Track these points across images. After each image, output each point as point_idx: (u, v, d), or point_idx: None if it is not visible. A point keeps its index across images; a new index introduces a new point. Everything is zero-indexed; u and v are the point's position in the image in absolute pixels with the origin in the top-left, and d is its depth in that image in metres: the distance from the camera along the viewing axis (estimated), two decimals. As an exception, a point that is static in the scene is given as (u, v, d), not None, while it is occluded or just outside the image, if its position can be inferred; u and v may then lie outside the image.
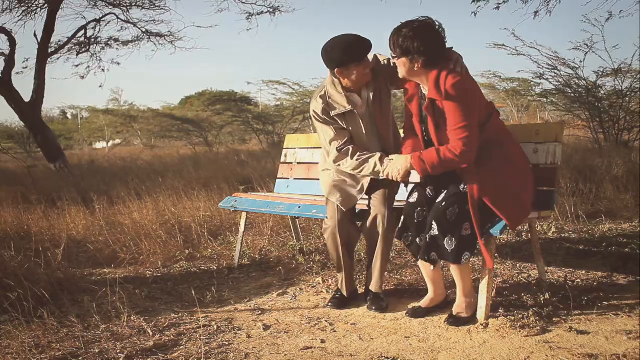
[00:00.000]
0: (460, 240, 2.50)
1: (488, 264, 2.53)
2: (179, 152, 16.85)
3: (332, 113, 2.85)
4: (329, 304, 2.98)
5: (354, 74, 2.77)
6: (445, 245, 2.51)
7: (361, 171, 2.83)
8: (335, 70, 2.79)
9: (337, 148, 2.87)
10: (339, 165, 2.89)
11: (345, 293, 3.02)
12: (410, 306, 2.80)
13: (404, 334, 2.53)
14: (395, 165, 2.68)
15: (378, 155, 2.80)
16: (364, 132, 2.87)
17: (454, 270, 2.63)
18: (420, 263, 2.71)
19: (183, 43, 17.53)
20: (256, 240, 4.51)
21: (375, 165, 2.78)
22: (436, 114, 2.53)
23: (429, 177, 2.65)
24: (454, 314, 2.63)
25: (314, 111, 2.90)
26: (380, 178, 2.81)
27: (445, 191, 2.60)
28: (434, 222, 2.52)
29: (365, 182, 2.91)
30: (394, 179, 2.71)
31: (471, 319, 2.60)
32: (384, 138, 2.91)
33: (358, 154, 2.84)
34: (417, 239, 2.64)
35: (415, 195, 2.68)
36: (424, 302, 2.78)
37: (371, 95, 2.85)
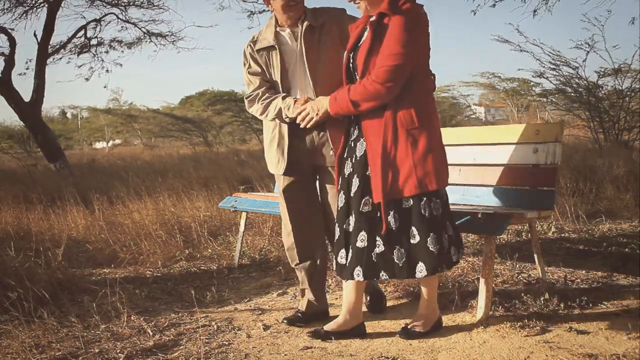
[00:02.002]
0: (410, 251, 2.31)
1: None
2: (179, 152, 16.86)
3: (256, 47, 2.69)
4: (284, 320, 2.76)
5: (278, 1, 2.59)
6: (395, 259, 2.31)
7: (267, 115, 2.66)
8: None
9: (245, 96, 2.75)
10: (251, 112, 2.75)
11: (304, 308, 2.79)
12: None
13: (404, 334, 2.53)
14: (315, 104, 2.48)
15: (282, 95, 2.62)
16: (286, 71, 2.64)
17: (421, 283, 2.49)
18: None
19: (184, 43, 17.60)
20: (256, 240, 4.51)
21: (276, 105, 2.59)
22: (376, 34, 2.29)
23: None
24: (409, 326, 2.48)
25: (243, 50, 2.76)
26: (286, 120, 2.60)
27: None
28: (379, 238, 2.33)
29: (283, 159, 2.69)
30: (308, 120, 2.49)
31: (424, 335, 2.45)
32: (319, 86, 2.57)
33: (265, 96, 2.66)
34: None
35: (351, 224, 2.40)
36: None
37: (302, 30, 2.60)
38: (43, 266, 3.46)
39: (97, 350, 2.46)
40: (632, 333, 2.32)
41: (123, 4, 11.10)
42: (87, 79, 12.36)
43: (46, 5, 10.49)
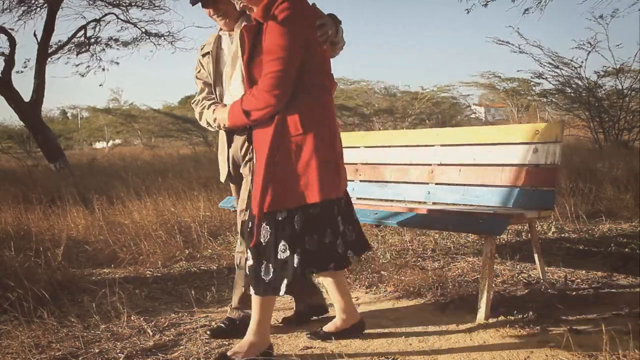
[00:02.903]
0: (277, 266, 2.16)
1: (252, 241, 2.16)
2: (179, 151, 16.86)
3: (201, 52, 2.67)
4: (208, 331, 2.62)
5: (206, 11, 2.54)
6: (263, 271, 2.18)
7: (202, 122, 2.62)
8: None
9: (192, 102, 2.73)
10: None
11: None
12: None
13: (403, 334, 2.53)
14: (223, 111, 2.39)
15: (209, 102, 2.58)
16: (220, 76, 2.59)
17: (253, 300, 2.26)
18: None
19: (183, 43, 17.59)
20: (256, 240, 4.50)
21: (205, 115, 2.57)
22: (255, 41, 2.19)
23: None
24: (228, 353, 2.23)
25: None
26: (216, 128, 2.55)
27: None
28: (249, 251, 2.21)
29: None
30: (221, 126, 2.46)
31: None
32: None
33: (201, 103, 2.62)
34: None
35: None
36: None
37: (234, 38, 2.51)
38: (43, 266, 3.46)
39: (97, 350, 2.46)
40: (632, 333, 2.32)
41: (125, 4, 11.11)
42: (82, 75, 12.38)
43: (46, 6, 10.49)
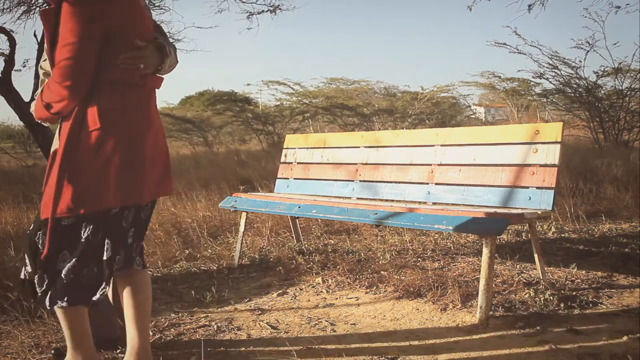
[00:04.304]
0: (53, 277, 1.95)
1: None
2: (178, 152, 16.86)
3: None
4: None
5: None
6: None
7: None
8: None
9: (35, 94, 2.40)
10: None
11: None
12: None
13: (404, 334, 2.53)
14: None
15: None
16: None
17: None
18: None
19: (183, 44, 17.58)
20: (256, 241, 4.51)
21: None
22: (56, 25, 1.90)
23: None
24: None
25: None
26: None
27: None
28: (27, 257, 1.98)
29: None
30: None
31: None
32: None
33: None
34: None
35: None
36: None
37: None
38: (43, 266, 3.45)
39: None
40: (632, 333, 2.32)
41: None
42: None
43: (46, 5, 10.50)
